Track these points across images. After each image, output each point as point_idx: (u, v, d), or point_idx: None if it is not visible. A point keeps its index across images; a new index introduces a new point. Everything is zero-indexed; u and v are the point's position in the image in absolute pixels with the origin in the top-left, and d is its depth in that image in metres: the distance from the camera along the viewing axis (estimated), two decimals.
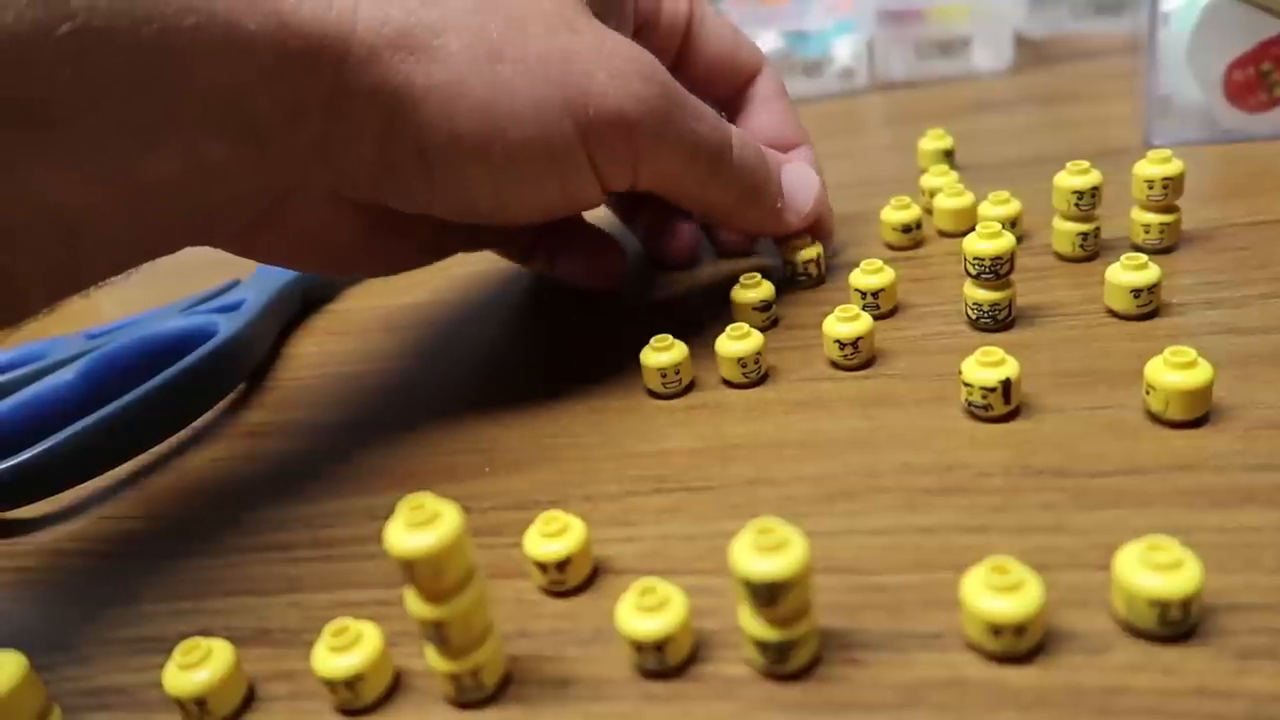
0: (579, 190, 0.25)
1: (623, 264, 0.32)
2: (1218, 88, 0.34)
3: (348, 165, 0.23)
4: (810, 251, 0.30)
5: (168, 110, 0.20)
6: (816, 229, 0.30)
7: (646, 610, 0.17)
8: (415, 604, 0.16)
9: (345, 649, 0.17)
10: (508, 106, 0.23)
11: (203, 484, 0.26)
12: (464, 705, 0.17)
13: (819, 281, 0.30)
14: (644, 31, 0.29)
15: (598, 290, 0.32)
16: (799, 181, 0.29)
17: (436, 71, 0.22)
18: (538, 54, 0.23)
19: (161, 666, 0.18)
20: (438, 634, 0.16)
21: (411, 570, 0.16)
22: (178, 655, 0.18)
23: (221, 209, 0.23)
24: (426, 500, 0.16)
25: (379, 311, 0.35)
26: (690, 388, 0.26)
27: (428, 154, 0.23)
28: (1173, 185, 0.27)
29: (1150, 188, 0.27)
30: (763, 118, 0.32)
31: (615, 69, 0.24)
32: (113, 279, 0.22)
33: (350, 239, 0.26)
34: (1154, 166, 0.27)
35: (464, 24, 0.22)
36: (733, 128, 0.27)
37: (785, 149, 0.31)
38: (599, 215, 0.34)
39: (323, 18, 0.21)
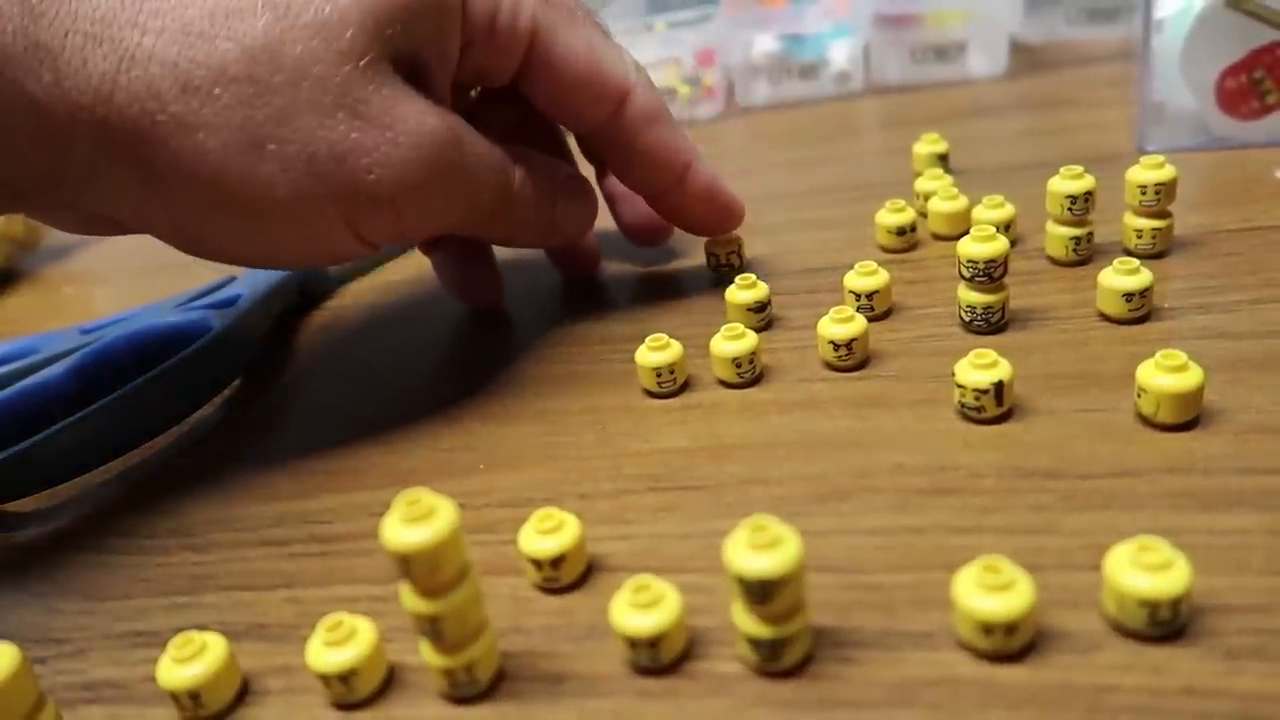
0: (342, 252, 0.25)
1: (493, 290, 0.33)
2: (1210, 95, 0.34)
3: (106, 213, 0.24)
4: (730, 245, 0.32)
5: None
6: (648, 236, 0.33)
7: (640, 607, 0.17)
8: (410, 599, 0.16)
9: (340, 644, 0.18)
10: (268, 199, 0.23)
11: (196, 479, 0.26)
12: (458, 700, 0.17)
13: (740, 270, 0.31)
14: (475, 46, 0.26)
15: (472, 306, 0.33)
16: (575, 206, 0.30)
17: (191, 161, 0.22)
18: (305, 151, 0.22)
19: (156, 660, 0.18)
20: (432, 629, 0.16)
21: (407, 565, 0.16)
22: (172, 649, 0.18)
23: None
24: (422, 496, 0.16)
25: (373, 310, 0.36)
26: (685, 387, 0.26)
27: (183, 230, 0.24)
28: (1165, 191, 0.27)
29: (1143, 193, 0.27)
30: (642, 144, 0.29)
31: (393, 155, 0.23)
32: None
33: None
34: (1147, 172, 0.27)
35: (226, 117, 0.22)
36: (516, 171, 0.27)
37: (678, 173, 0.29)
38: None
39: (79, 93, 0.21)
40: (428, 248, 0.34)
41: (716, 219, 0.31)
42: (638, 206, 0.32)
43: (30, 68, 0.21)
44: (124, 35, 0.21)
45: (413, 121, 0.23)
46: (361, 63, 0.23)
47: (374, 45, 0.23)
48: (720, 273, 0.32)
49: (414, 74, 0.24)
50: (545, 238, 0.30)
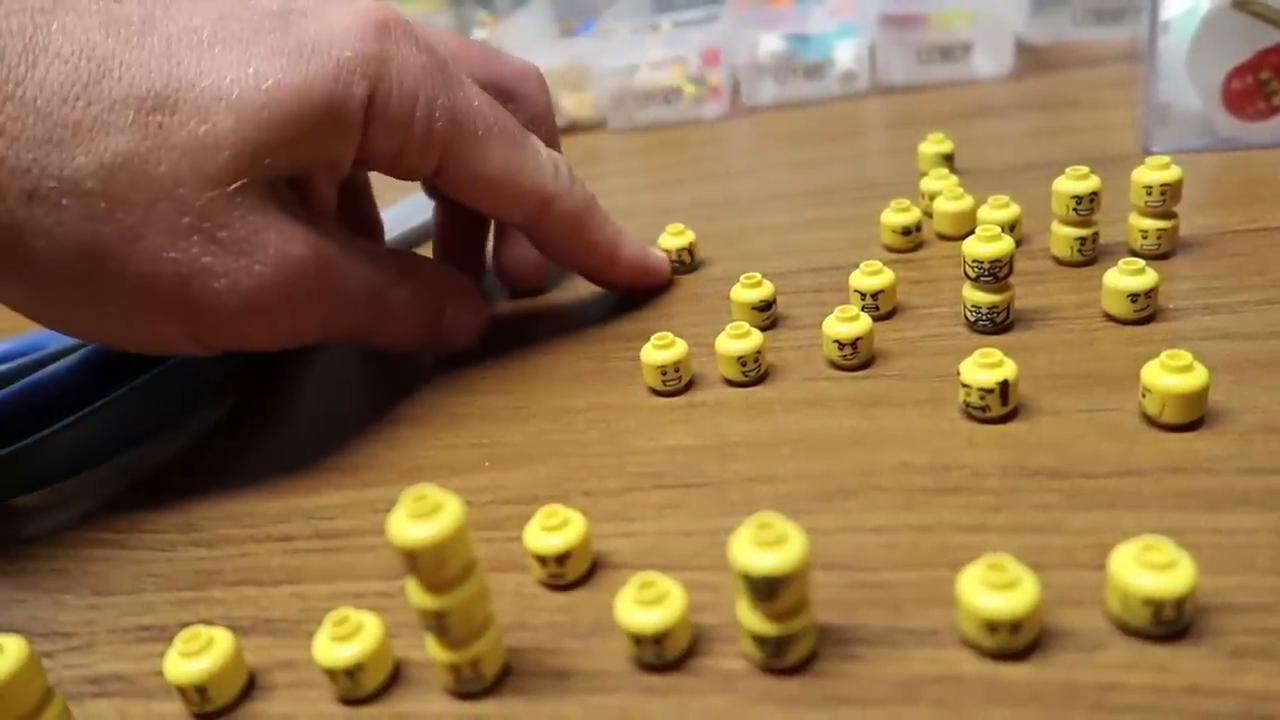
0: (187, 351, 0.25)
1: (537, 272, 0.33)
2: (1216, 96, 0.34)
3: None
4: (682, 240, 0.33)
5: None
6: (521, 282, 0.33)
7: (645, 604, 0.17)
8: (416, 594, 0.16)
9: (346, 639, 0.18)
10: (101, 310, 0.23)
11: (204, 474, 0.26)
12: (463, 696, 0.18)
13: (691, 269, 0.33)
14: (383, 152, 0.25)
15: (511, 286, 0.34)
16: (463, 317, 0.30)
17: (27, 266, 0.22)
18: (147, 270, 0.22)
19: (163, 655, 0.18)
20: (438, 624, 0.17)
21: (413, 561, 0.16)
22: (179, 643, 0.18)
23: None
24: (429, 492, 0.16)
25: None
26: (690, 386, 0.26)
27: (27, 312, 0.24)
28: (1171, 192, 0.27)
29: (1149, 194, 0.27)
30: (566, 244, 0.30)
31: (244, 282, 0.23)
32: None
33: None
34: (1152, 173, 0.27)
35: (69, 229, 0.21)
36: (397, 291, 0.27)
37: (606, 259, 0.30)
38: None
39: None
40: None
41: (647, 284, 0.32)
42: (517, 252, 0.33)
43: None
44: None
45: (274, 249, 0.23)
46: (230, 188, 0.22)
47: (249, 170, 0.22)
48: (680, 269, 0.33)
49: (297, 185, 0.25)
50: (426, 345, 0.29)
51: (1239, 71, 0.34)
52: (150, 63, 0.22)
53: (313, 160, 0.24)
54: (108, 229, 0.21)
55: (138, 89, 0.21)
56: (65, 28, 0.21)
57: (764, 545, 0.16)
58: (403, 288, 0.27)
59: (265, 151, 0.23)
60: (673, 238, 0.33)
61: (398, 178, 0.27)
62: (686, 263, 0.33)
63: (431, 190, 0.33)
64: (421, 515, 0.16)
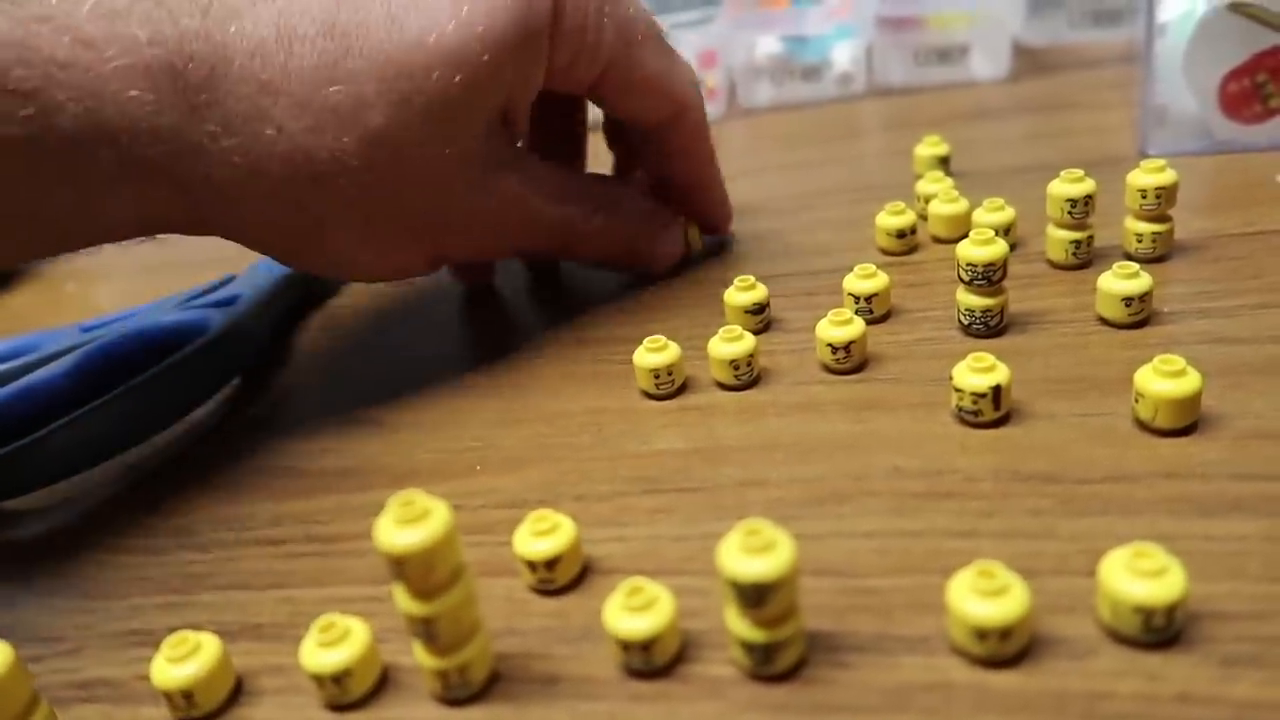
0: (419, 273, 0.29)
1: (485, 269, 0.36)
2: (1213, 99, 0.34)
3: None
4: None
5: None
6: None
7: (634, 610, 0.17)
8: (404, 600, 0.16)
9: (333, 644, 0.18)
10: (365, 258, 0.27)
11: (195, 478, 0.26)
12: (451, 702, 0.17)
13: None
14: (558, 69, 0.27)
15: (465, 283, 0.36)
16: (662, 243, 0.32)
17: (307, 230, 0.26)
18: (408, 225, 0.26)
19: (150, 659, 0.18)
20: (426, 630, 0.16)
21: (401, 567, 0.16)
22: (166, 648, 0.18)
23: None
24: (417, 497, 0.16)
25: (374, 309, 0.36)
26: (683, 389, 0.26)
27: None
28: (1166, 195, 0.27)
29: (1143, 197, 0.27)
30: (683, 150, 0.32)
31: (473, 227, 0.27)
32: None
33: None
34: (1147, 176, 0.27)
35: (343, 198, 0.25)
36: (593, 218, 0.30)
37: (697, 187, 0.33)
38: None
39: (218, 176, 0.24)
40: None
41: (712, 226, 0.34)
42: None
43: (181, 155, 0.23)
44: (259, 129, 0.23)
45: (494, 197, 0.27)
46: (460, 138, 0.25)
47: (475, 116, 0.25)
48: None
49: (504, 117, 0.27)
50: (627, 266, 0.32)
51: (1235, 74, 0.34)
52: (381, 31, 0.24)
53: (517, 90, 0.26)
54: (374, 194, 0.25)
55: (377, 59, 0.23)
56: (305, 8, 0.23)
57: (752, 551, 0.16)
58: (595, 219, 0.30)
59: (488, 92, 0.25)
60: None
61: (561, 89, 0.28)
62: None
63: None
64: (409, 521, 0.16)
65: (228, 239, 0.26)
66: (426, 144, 0.25)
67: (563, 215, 0.29)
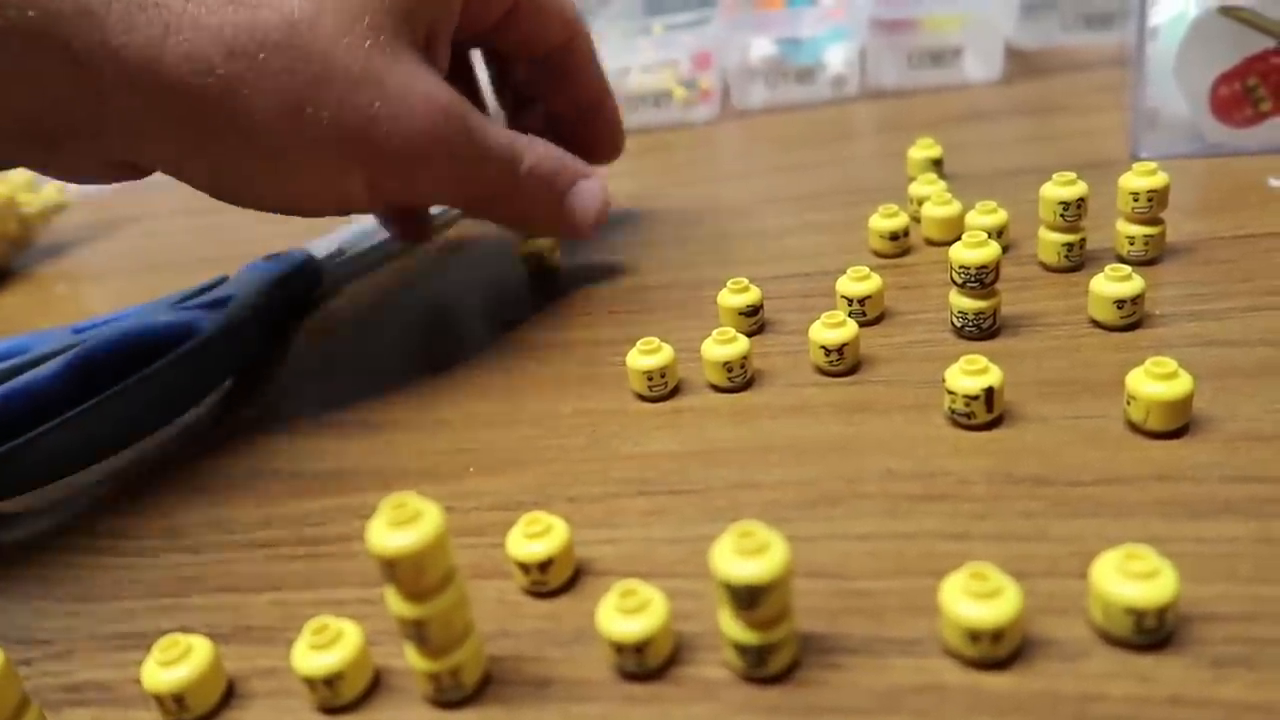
0: (360, 207, 0.28)
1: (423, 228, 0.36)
2: (1204, 102, 0.34)
3: (141, 163, 0.25)
4: (546, 243, 0.35)
5: None
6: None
7: (627, 612, 0.17)
8: (396, 603, 0.16)
9: (325, 647, 0.17)
10: (304, 158, 0.25)
11: (187, 480, 0.26)
12: (443, 705, 0.17)
13: (556, 270, 0.35)
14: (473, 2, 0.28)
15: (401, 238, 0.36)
16: (587, 195, 0.31)
17: (238, 119, 0.24)
18: (336, 117, 0.24)
19: (141, 662, 0.18)
20: (418, 633, 0.16)
21: (392, 569, 0.16)
22: (157, 652, 0.18)
23: None
24: (408, 499, 0.16)
25: (365, 311, 0.35)
26: (676, 391, 0.26)
27: (219, 179, 0.26)
28: (1157, 198, 0.27)
29: (1135, 200, 0.27)
30: (583, 70, 0.33)
31: (409, 126, 0.25)
32: None
33: None
34: (1139, 179, 0.27)
35: (271, 81, 0.23)
36: (525, 149, 0.29)
37: (602, 97, 0.34)
38: None
39: (127, 54, 0.22)
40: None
41: (614, 143, 0.35)
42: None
43: (78, 28, 0.22)
44: (168, 3, 0.22)
45: (423, 96, 0.26)
46: (381, 37, 0.25)
47: (392, 21, 0.25)
48: (542, 271, 0.35)
49: (425, 43, 0.26)
50: (554, 224, 0.31)
51: (1226, 78, 0.34)
52: None
53: (437, 9, 0.27)
54: (300, 79, 0.24)
55: None
56: None
57: (745, 554, 0.16)
58: (530, 155, 0.29)
59: (412, 16, 0.25)
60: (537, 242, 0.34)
61: (472, 28, 0.29)
62: (554, 267, 0.35)
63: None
64: (401, 523, 0.16)
65: (123, 152, 0.25)
66: (349, 34, 0.24)
67: (499, 148, 0.28)
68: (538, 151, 0.30)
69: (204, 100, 0.23)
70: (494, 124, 0.28)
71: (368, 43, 0.24)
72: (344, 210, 0.28)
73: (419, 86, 0.25)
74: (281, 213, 0.28)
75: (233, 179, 0.26)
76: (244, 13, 0.23)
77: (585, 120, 0.34)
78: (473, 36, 0.31)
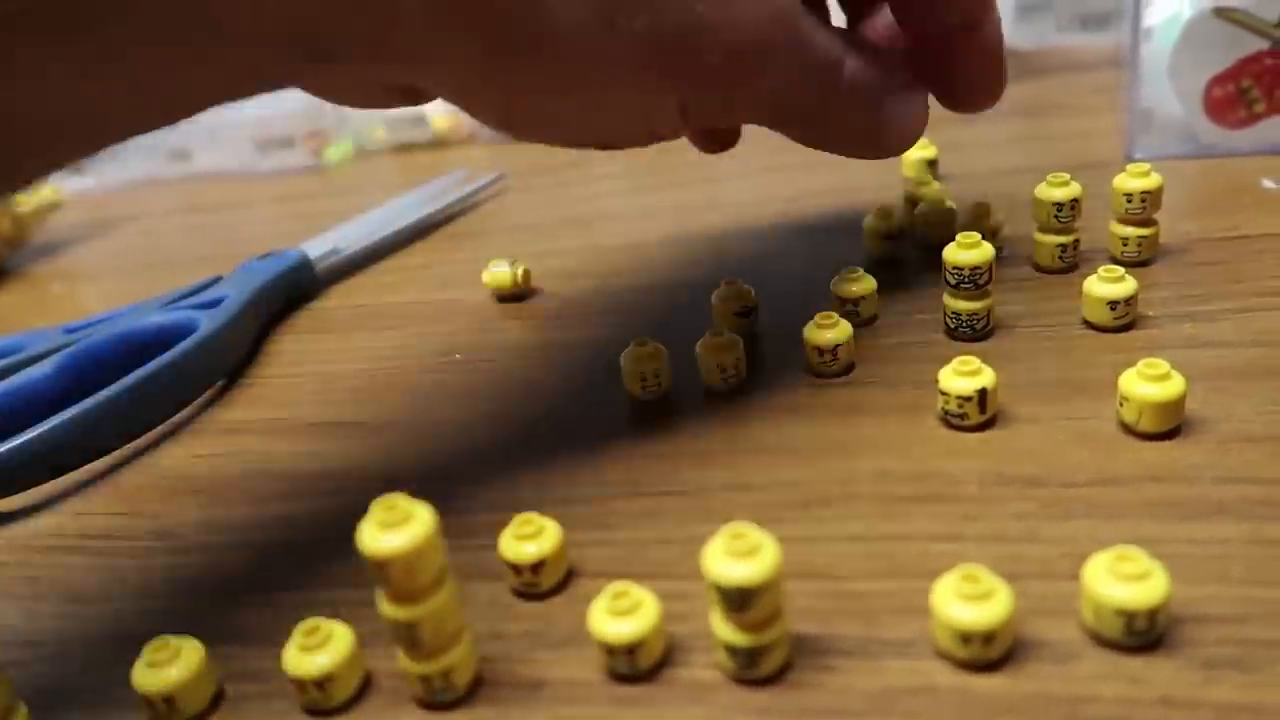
0: (666, 134, 0.24)
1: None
2: (1198, 103, 0.35)
3: (426, 87, 0.22)
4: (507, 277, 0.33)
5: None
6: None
7: (618, 614, 0.17)
8: (386, 605, 0.16)
9: (316, 649, 0.17)
10: (612, 77, 0.21)
11: (178, 481, 0.26)
12: (434, 707, 0.17)
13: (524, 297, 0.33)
14: None
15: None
16: (903, 110, 0.26)
17: (540, 34, 0.20)
18: (653, 28, 0.20)
19: (131, 664, 0.18)
20: (409, 635, 0.16)
21: (383, 571, 0.16)
22: (146, 653, 0.18)
23: None
24: (399, 501, 0.16)
25: (360, 311, 0.35)
26: (670, 392, 0.26)
27: (511, 106, 0.22)
28: (1151, 199, 0.27)
29: (1129, 201, 0.27)
30: None
31: (733, 38, 0.21)
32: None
33: None
34: (1132, 180, 0.27)
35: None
36: (845, 54, 0.24)
37: (974, 20, 0.26)
38: None
39: None
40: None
41: (992, 79, 0.27)
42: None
43: None
44: None
45: (753, 2, 0.21)
46: None
47: None
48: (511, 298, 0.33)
49: None
50: (865, 145, 0.27)
51: (1220, 79, 0.34)
52: None
53: None
54: None
55: None
56: None
57: (737, 555, 0.16)
58: (853, 60, 0.24)
59: None
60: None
61: None
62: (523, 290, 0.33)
63: None
64: (392, 525, 0.16)
65: (417, 81, 0.21)
66: None
67: (825, 53, 0.24)
68: (861, 56, 0.25)
69: (503, 11, 0.19)
70: (820, 25, 0.24)
71: None
72: (652, 141, 0.24)
73: None
74: (582, 146, 0.24)
75: (528, 108, 0.22)
76: None
77: (955, 43, 0.26)
78: None
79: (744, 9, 0.21)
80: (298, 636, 0.18)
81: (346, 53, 0.20)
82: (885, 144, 0.26)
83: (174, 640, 0.18)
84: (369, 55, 0.20)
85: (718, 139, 0.32)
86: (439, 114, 0.57)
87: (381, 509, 0.16)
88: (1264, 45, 0.33)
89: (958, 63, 0.27)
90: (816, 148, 0.27)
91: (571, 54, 0.20)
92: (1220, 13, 0.33)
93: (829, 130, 0.26)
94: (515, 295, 0.34)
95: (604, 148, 0.25)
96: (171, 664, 0.18)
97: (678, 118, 0.23)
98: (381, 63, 0.20)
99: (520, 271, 0.33)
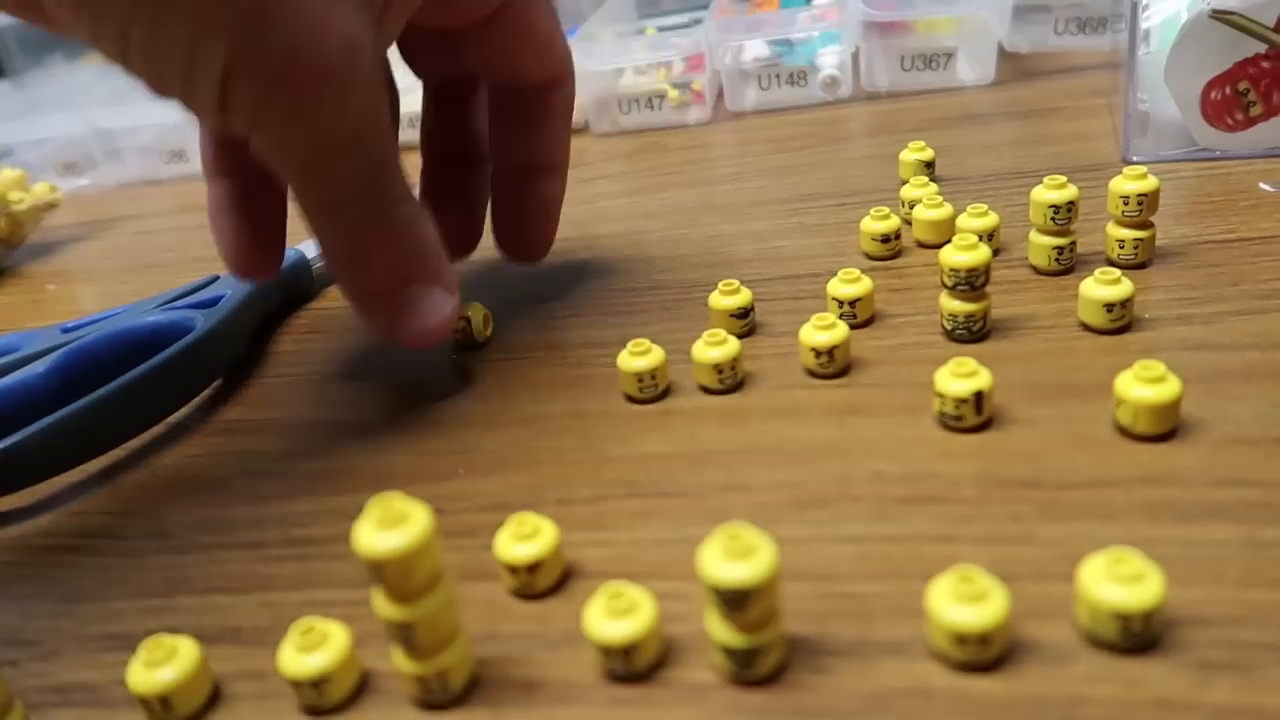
0: (195, 103, 0.22)
1: (273, 259, 0.30)
2: (1195, 106, 0.35)
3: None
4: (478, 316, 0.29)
5: None
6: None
7: (615, 614, 0.17)
8: (382, 605, 0.16)
9: (312, 649, 0.17)
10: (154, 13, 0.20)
11: (175, 481, 0.26)
12: (430, 707, 0.17)
13: (472, 345, 0.30)
14: None
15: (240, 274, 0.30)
16: (434, 303, 0.25)
17: None
18: None
19: (128, 664, 0.18)
20: (404, 636, 0.16)
21: (379, 571, 0.16)
22: (142, 653, 0.18)
23: None
24: (396, 501, 0.16)
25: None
26: (667, 393, 0.26)
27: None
28: (1148, 202, 0.27)
29: (1125, 204, 0.28)
30: (555, 126, 0.29)
31: (305, 39, 0.21)
32: None
33: None
34: (1129, 183, 0.27)
35: None
36: (414, 203, 0.24)
37: (557, 169, 0.30)
38: None
39: None
40: (213, 172, 0.28)
41: (542, 236, 0.31)
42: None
43: None
44: None
45: (339, 23, 0.21)
46: None
47: None
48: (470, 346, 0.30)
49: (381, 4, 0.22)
50: (372, 315, 0.25)
51: (1217, 82, 0.34)
52: None
53: None
54: None
55: None
56: None
57: (733, 556, 0.16)
58: (402, 207, 0.24)
59: None
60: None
61: (445, 24, 0.25)
62: (473, 341, 0.30)
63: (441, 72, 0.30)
64: (388, 524, 0.16)
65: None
66: None
67: (387, 133, 0.23)
68: (413, 212, 0.24)
69: None
70: (391, 131, 0.24)
71: None
72: (189, 88, 0.22)
73: (342, 15, 0.21)
74: (116, 65, 0.22)
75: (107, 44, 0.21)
76: None
77: (525, 189, 0.30)
78: (441, 33, 0.26)
79: (321, 20, 0.21)
80: (293, 636, 0.18)
81: None
82: (400, 330, 0.25)
83: (169, 639, 0.18)
84: None
85: (456, 248, 0.31)
86: None
87: (378, 508, 0.16)
88: (1261, 48, 0.33)
89: (523, 207, 0.29)
90: (335, 268, 0.25)
91: None
92: (1218, 15, 0.33)
93: (348, 273, 0.25)
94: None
95: (150, 76, 0.22)
96: (167, 663, 0.18)
97: (215, 82, 0.21)
98: None
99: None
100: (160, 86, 0.22)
